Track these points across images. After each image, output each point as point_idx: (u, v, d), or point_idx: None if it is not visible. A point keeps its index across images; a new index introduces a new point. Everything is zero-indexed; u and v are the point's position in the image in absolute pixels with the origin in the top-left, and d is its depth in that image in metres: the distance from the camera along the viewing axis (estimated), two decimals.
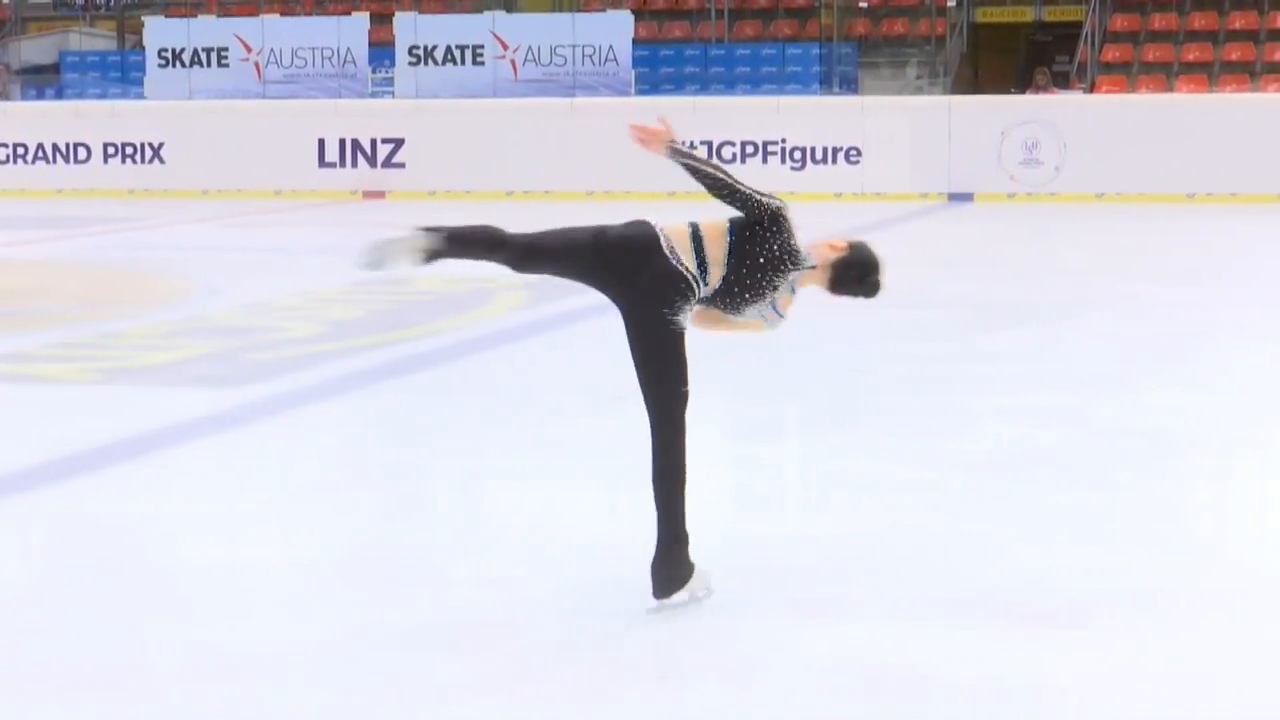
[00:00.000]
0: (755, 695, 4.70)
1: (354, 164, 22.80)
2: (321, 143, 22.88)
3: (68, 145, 23.36)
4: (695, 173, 5.29)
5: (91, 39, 31.33)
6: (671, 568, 5.32)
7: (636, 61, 24.86)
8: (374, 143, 22.76)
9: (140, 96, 25.49)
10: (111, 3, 32.31)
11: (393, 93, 24.84)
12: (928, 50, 28.47)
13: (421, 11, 27.28)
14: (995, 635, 5.18)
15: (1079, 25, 26.99)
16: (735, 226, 5.28)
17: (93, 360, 10.02)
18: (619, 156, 21.78)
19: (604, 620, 5.30)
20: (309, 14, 29.37)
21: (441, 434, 8.25)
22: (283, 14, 28.74)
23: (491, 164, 22.12)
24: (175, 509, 6.85)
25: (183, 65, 25.48)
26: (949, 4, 28.87)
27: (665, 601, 5.33)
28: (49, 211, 21.24)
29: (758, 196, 5.24)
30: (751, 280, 5.25)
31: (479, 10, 27.30)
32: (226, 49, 25.40)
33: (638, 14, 26.49)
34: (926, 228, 18.94)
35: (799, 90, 25.01)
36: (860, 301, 5.42)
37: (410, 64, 24.80)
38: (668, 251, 5.22)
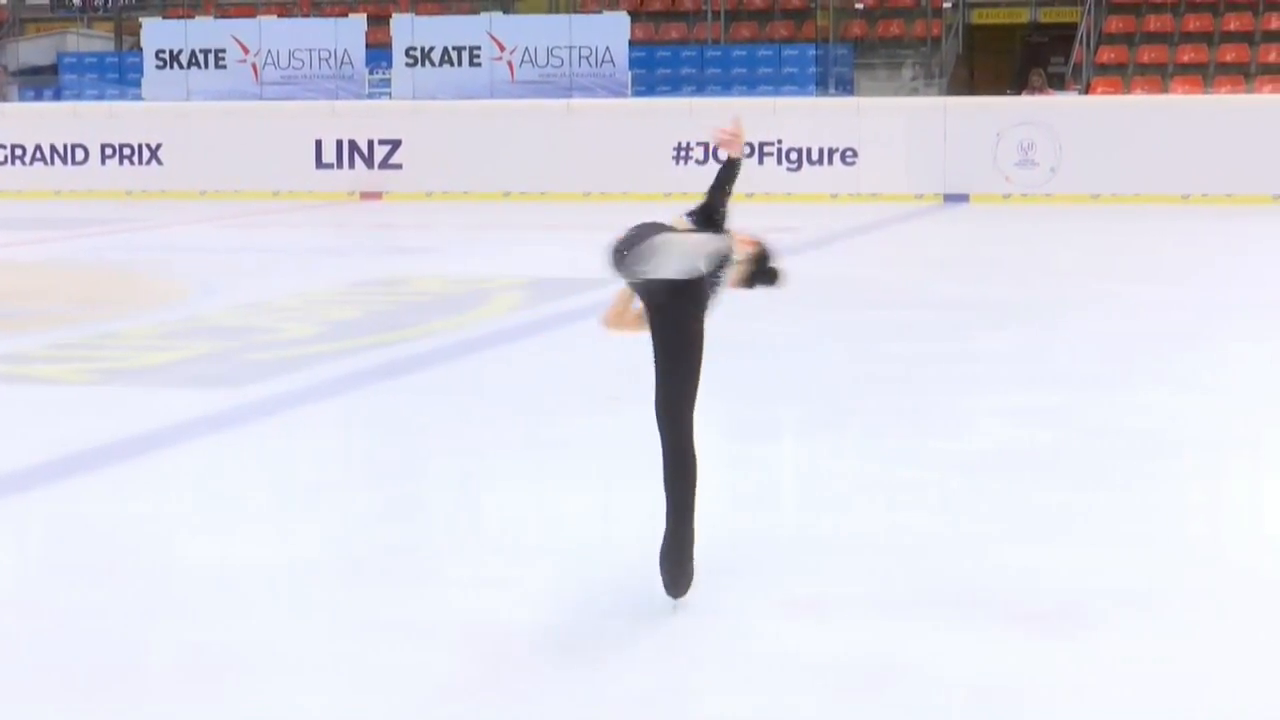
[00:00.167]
0: (751, 694, 4.73)
1: (351, 165, 22.83)
2: (319, 144, 22.90)
3: (65, 146, 23.39)
4: (727, 186, 5.43)
5: (89, 40, 31.33)
6: (687, 564, 5.35)
7: (633, 63, 24.89)
8: (371, 144, 22.79)
9: (138, 98, 25.49)
10: (109, 4, 32.31)
11: (390, 94, 24.86)
12: (923, 51, 28.49)
13: (418, 13, 27.32)
14: (988, 635, 5.20)
15: (1074, 27, 27.01)
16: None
17: (90, 361, 10.04)
18: (616, 158, 21.91)
19: (602, 620, 5.33)
20: (306, 15, 29.37)
21: (439, 434, 8.27)
22: (280, 15, 28.73)
23: (488, 165, 22.15)
24: (172, 509, 6.88)
25: (180, 66, 25.50)
26: (945, 5, 28.89)
27: (682, 600, 5.35)
28: (47, 212, 21.25)
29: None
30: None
31: (476, 12, 27.31)
32: (224, 50, 25.42)
33: (634, 15, 26.51)
34: (922, 228, 18.98)
35: (795, 91, 25.03)
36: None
37: (407, 65, 24.82)
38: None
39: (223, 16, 28.93)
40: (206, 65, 25.43)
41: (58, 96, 27.31)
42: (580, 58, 24.35)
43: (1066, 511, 6.66)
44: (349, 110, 23.42)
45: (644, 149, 21.44)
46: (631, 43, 24.93)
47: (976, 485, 7.09)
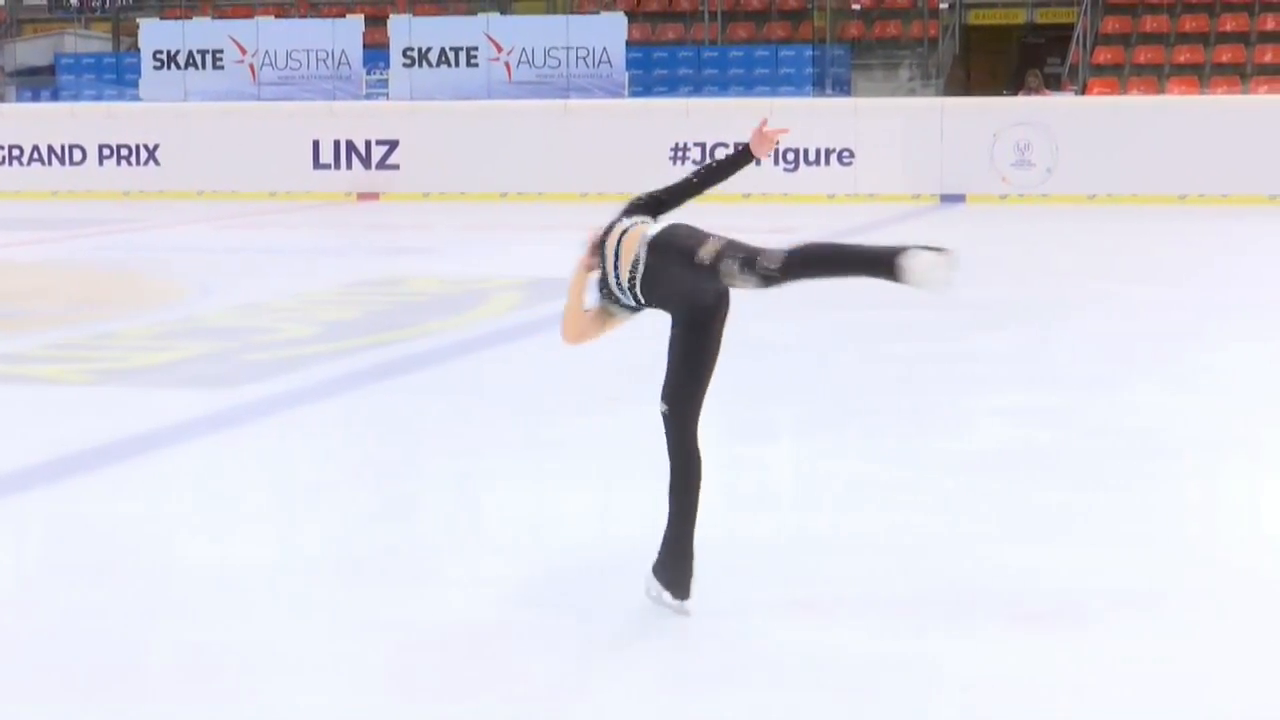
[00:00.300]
0: (750, 694, 4.73)
1: (348, 166, 22.82)
2: (316, 144, 22.89)
3: (63, 147, 23.37)
4: (729, 174, 5.50)
5: (86, 41, 31.31)
6: (687, 564, 5.35)
7: (630, 63, 24.89)
8: (368, 144, 22.78)
9: (135, 98, 25.48)
10: (106, 5, 32.30)
11: (387, 95, 24.86)
12: (920, 52, 28.50)
13: (416, 14, 27.32)
14: (987, 635, 5.20)
15: (1070, 27, 27.03)
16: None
17: (88, 361, 10.04)
18: (613, 158, 21.90)
19: (601, 620, 5.33)
20: (303, 16, 29.36)
21: (437, 434, 8.27)
22: (277, 16, 28.73)
23: (486, 166, 22.15)
24: (170, 509, 6.88)
25: (178, 67, 25.50)
26: (941, 6, 28.91)
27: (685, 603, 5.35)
28: (44, 213, 21.24)
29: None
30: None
31: (473, 12, 27.33)
32: (221, 51, 25.42)
33: (631, 16, 26.52)
34: (919, 229, 18.97)
35: (792, 92, 25.03)
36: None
37: (405, 66, 24.82)
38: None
39: (220, 17, 28.93)
40: (204, 66, 25.43)
41: (55, 97, 27.30)
42: (577, 58, 24.36)
43: (1066, 511, 6.66)
44: (346, 111, 23.41)
45: (641, 149, 21.43)
46: (628, 43, 24.94)
47: (976, 485, 7.09)
